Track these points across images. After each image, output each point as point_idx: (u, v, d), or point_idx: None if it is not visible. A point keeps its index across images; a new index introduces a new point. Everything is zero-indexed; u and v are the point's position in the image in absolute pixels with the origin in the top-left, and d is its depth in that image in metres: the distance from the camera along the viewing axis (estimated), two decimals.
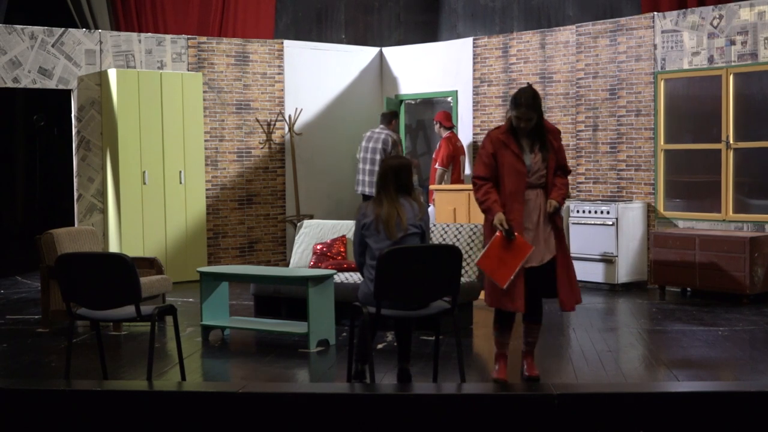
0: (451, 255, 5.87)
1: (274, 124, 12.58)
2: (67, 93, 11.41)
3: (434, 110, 15.04)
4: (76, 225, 11.23)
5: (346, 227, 9.17)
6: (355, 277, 8.36)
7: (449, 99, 13.53)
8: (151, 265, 8.84)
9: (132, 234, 11.17)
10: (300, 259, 9.20)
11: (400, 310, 5.92)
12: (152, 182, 11.32)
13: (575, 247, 10.78)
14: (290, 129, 12.57)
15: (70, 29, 11.37)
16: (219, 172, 12.18)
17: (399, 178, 6.02)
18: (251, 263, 12.26)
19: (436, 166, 11.26)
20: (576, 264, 10.74)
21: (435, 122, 12.07)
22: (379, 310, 5.82)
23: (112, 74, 11.19)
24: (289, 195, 12.57)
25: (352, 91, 13.42)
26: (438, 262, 5.83)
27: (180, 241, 11.52)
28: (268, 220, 12.45)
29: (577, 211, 10.81)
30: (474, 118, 12.60)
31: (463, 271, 8.26)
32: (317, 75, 13.08)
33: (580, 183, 11.42)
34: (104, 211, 11.39)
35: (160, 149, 11.39)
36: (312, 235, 9.27)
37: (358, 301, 6.03)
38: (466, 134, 12.70)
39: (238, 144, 12.34)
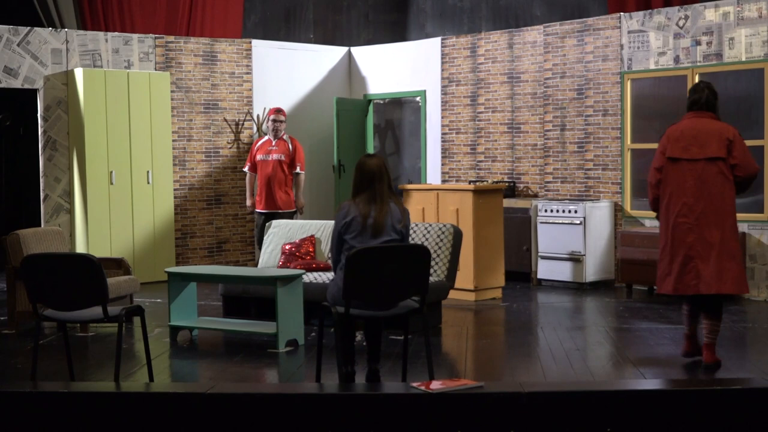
0: (419, 254, 5.88)
1: (243, 124, 12.55)
2: (33, 92, 11.32)
3: (403, 110, 15.07)
4: (42, 225, 11.14)
5: (315, 227, 9.16)
6: (324, 277, 8.35)
7: (418, 99, 13.56)
8: (118, 265, 8.80)
9: (99, 234, 11.10)
10: (269, 259, 9.18)
11: (369, 309, 5.92)
12: (119, 182, 11.26)
13: (543, 246, 10.83)
14: (258, 129, 12.54)
15: (35, 28, 11.28)
16: (187, 172, 12.13)
17: (389, 177, 6.06)
18: (220, 263, 12.22)
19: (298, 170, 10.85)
20: (543, 263, 10.85)
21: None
22: (348, 310, 5.81)
23: (79, 74, 11.11)
24: None
25: (321, 91, 13.41)
26: (407, 262, 5.84)
27: (148, 242, 11.47)
28: (237, 220, 12.41)
29: (545, 211, 10.85)
30: (442, 117, 12.63)
31: (431, 271, 8.28)
32: (286, 75, 13.06)
33: (548, 182, 11.47)
34: (71, 212, 11.31)
35: (128, 149, 11.33)
36: (281, 235, 9.26)
37: (326, 301, 6.02)
38: (434, 134, 12.73)
39: (206, 144, 12.30)
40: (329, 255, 8.75)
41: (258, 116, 12.58)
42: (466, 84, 12.36)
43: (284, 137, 10.47)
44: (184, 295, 8.17)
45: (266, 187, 10.37)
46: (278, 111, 10.52)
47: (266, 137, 10.53)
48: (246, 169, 10.58)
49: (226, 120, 12.41)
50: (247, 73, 12.65)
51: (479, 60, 12.23)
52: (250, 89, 12.66)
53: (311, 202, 13.07)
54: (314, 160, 13.25)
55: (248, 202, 10.56)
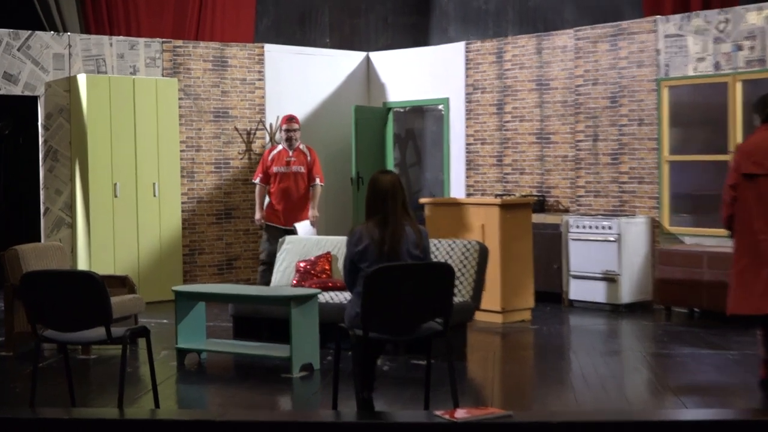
0: (443, 273, 5.83)
1: (254, 134, 12.55)
2: (33, 99, 11.36)
3: (425, 119, 15.05)
4: (42, 240, 11.16)
5: (331, 244, 9.15)
6: (341, 297, 8.32)
7: (440, 107, 13.53)
8: (122, 283, 8.79)
9: (102, 250, 11.11)
10: (282, 277, 9.16)
11: (389, 332, 5.88)
12: (124, 195, 11.27)
13: (575, 264, 10.76)
14: (271, 138, 12.54)
15: (37, 32, 11.33)
16: (195, 184, 12.14)
17: (403, 196, 6.00)
18: (230, 282, 12.21)
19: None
20: (576, 283, 10.78)
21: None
22: (367, 332, 5.77)
23: (82, 80, 11.14)
24: None
25: (338, 99, 13.41)
26: (429, 281, 5.80)
27: (154, 258, 11.46)
28: (248, 235, 12.39)
29: (577, 227, 10.79)
30: (467, 127, 12.60)
31: (456, 291, 8.23)
32: (300, 81, 13.07)
33: (580, 197, 11.41)
34: (73, 226, 11.33)
35: (133, 160, 11.35)
36: (295, 251, 9.24)
37: (343, 323, 5.98)
38: (458, 144, 12.69)
39: (216, 154, 12.30)
40: None
41: (271, 125, 12.58)
42: (491, 91, 12.33)
43: (301, 147, 10.42)
44: (192, 315, 8.15)
45: (286, 202, 10.26)
46: (291, 119, 10.46)
47: (280, 147, 10.46)
48: (257, 180, 10.50)
49: (237, 129, 12.42)
50: (260, 80, 12.66)
51: (506, 66, 12.19)
52: (263, 97, 12.66)
53: (327, 217, 13.05)
54: (331, 172, 13.23)
55: (258, 215, 10.44)
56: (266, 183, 10.43)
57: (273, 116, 12.67)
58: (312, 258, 9.03)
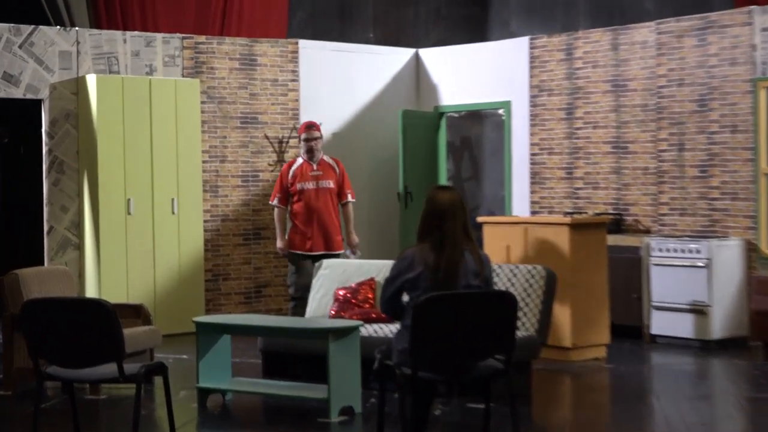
0: (504, 304, 5.81)
1: (287, 142, 12.60)
2: (36, 103, 11.49)
3: (483, 125, 15.02)
4: (45, 264, 11.26)
5: (375, 268, 9.16)
6: (386, 330, 8.31)
7: (501, 111, 13.50)
8: (136, 313, 8.83)
9: (114, 275, 11.19)
10: (318, 306, 9.17)
11: (441, 371, 5.86)
12: (139, 212, 11.35)
13: (657, 294, 10.68)
14: None
15: (41, 27, 11.45)
16: (220, 200, 12.20)
17: (465, 217, 5.98)
18: (259, 312, 12.24)
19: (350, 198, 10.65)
20: (658, 316, 10.69)
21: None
22: (417, 371, 5.75)
23: (92, 81, 11.25)
24: None
25: (383, 102, 13.45)
26: (488, 313, 5.78)
27: (172, 285, 11.52)
28: (279, 259, 12.40)
29: (660, 250, 10.72)
30: (531, 134, 12.57)
31: (519, 324, 8.19)
32: (339, 82, 13.11)
33: (663, 215, 11.34)
34: (80, 247, 11.44)
35: (149, 172, 11.43)
36: (333, 277, 9.25)
37: (389, 360, 5.98)
38: (521, 155, 12.65)
39: (243, 166, 12.36)
40: None
41: None
42: (560, 93, 12.30)
43: (325, 158, 10.29)
44: (216, 350, 8.16)
45: (317, 224, 10.09)
46: (310, 126, 10.26)
47: (300, 160, 10.27)
48: (275, 201, 10.28)
49: (267, 137, 12.48)
50: (293, 81, 12.72)
51: (576, 64, 12.16)
52: (297, 100, 12.72)
53: (370, 237, 13.06)
54: (375, 187, 13.25)
55: (280, 243, 10.25)
56: (285, 204, 10.25)
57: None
58: (353, 285, 9.02)
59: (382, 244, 13.26)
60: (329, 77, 13.04)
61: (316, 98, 12.87)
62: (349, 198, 10.29)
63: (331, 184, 10.18)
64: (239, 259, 12.28)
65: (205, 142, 12.13)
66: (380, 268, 9.11)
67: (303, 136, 10.24)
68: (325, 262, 9.49)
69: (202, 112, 12.07)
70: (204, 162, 12.07)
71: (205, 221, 12.02)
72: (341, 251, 10.22)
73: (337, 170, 10.27)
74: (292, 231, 10.22)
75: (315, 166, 10.17)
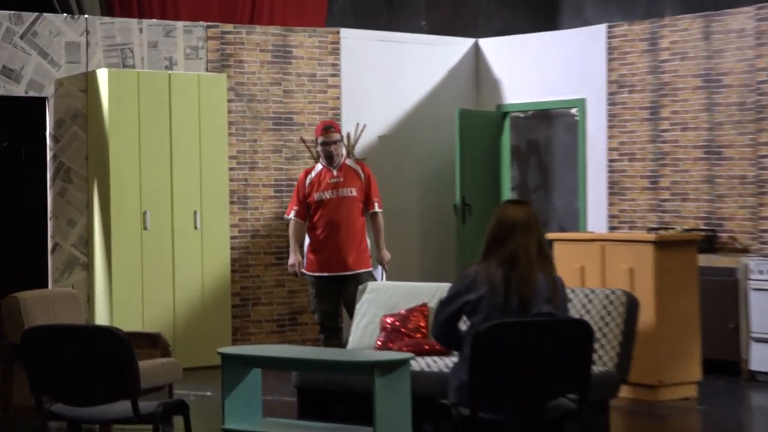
0: (578, 334, 5.80)
1: None
2: (40, 102, 11.56)
3: (553, 126, 14.96)
4: (50, 286, 11.33)
5: (428, 292, 9.14)
6: (441, 364, 8.27)
7: (574, 111, 13.47)
8: (153, 343, 8.85)
9: (127, 299, 11.24)
10: (362, 336, 9.16)
11: (505, 411, 5.84)
12: (156, 227, 11.40)
13: (758, 323, 10.59)
14: (349, 153, 12.58)
15: (45, 14, 11.53)
16: (249, 213, 12.24)
17: (539, 234, 5.96)
18: (294, 342, 12.25)
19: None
20: (759, 348, 10.59)
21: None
22: (477, 411, 5.74)
23: (103, 76, 11.32)
24: None
25: (437, 100, 13.45)
26: (560, 344, 5.76)
27: (194, 311, 11.56)
28: None
29: (760, 272, 10.64)
30: (609, 137, 12.52)
31: (595, 357, 8.14)
32: (387, 78, 13.13)
33: (764, 231, 11.26)
34: (89, 267, 11.51)
35: (168, 181, 11.48)
36: (380, 303, 9.24)
37: (445, 398, 5.96)
38: (597, 161, 12.60)
39: (277, 174, 12.39)
40: None
41: (349, 135, 12.61)
42: (642, 90, 12.25)
43: (348, 162, 10.21)
44: (244, 386, 8.15)
45: (333, 240, 9.99)
46: (327, 128, 10.15)
47: (319, 166, 10.21)
48: (291, 215, 10.21)
49: (303, 141, 12.50)
50: (334, 75, 12.74)
51: (662, 56, 12.11)
52: (337, 97, 12.74)
53: (422, 257, 13.05)
54: (428, 198, 13.24)
55: (292, 260, 10.18)
56: (303, 218, 10.15)
57: (350, 123, 12.70)
58: (402, 311, 9.00)
59: (436, 264, 13.24)
60: (375, 72, 13.06)
61: (359, 96, 12.90)
62: (377, 207, 10.17)
63: (354, 192, 10.05)
64: (271, 282, 12.30)
65: (233, 147, 12.17)
66: (433, 292, 9.07)
67: (320, 139, 10.12)
68: (370, 285, 9.47)
69: (229, 112, 12.11)
70: (231, 169, 12.11)
71: (232, 237, 12.05)
72: (366, 270, 10.12)
73: (362, 175, 10.14)
74: (309, 248, 10.18)
75: (335, 172, 10.08)
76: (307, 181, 10.11)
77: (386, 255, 10.26)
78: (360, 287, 9.50)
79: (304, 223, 10.16)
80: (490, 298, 5.84)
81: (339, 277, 9.99)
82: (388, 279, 10.57)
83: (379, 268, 10.28)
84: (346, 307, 10.09)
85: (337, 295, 10.05)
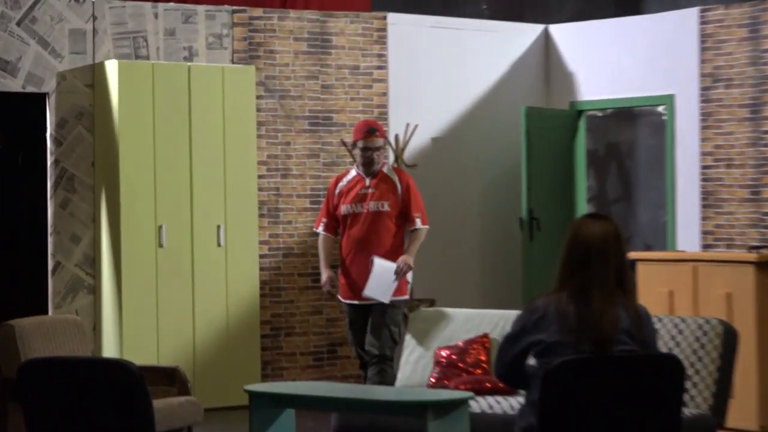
0: (665, 370, 5.75)
1: None
2: (39, 99, 11.62)
3: (635, 127, 14.90)
4: (50, 312, 11.39)
5: (490, 321, 9.13)
6: (505, 405, 8.25)
7: (661, 109, 13.42)
8: (170, 379, 8.87)
9: (140, 328, 11.27)
10: (413, 372, 9.16)
11: None
12: (173, 244, 11.44)
13: None
14: (397, 158, 12.58)
15: None
16: (282, 228, 12.28)
17: (621, 258, 5.92)
18: (333, 379, 12.29)
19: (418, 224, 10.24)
20: None
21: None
22: None
23: (112, 69, 11.37)
24: None
25: (500, 96, 13.47)
26: (645, 383, 5.72)
27: (217, 342, 11.60)
28: None
29: None
30: (703, 140, 12.47)
31: (687, 397, 8.10)
32: (442, 70, 13.15)
33: None
34: (96, 290, 11.56)
35: (187, 191, 11.51)
36: (433, 333, 9.25)
37: None
38: (689, 167, 12.54)
39: (313, 182, 12.41)
40: None
41: (397, 137, 12.61)
42: (741, 85, 12.20)
43: (384, 170, 10.01)
44: (276, 429, 8.18)
45: (359, 261, 9.84)
46: (370, 132, 9.95)
47: (353, 172, 10.10)
48: (320, 228, 10.10)
49: (344, 143, 12.49)
50: (380, 68, 12.75)
51: (764, 45, 12.07)
52: (384, 93, 12.77)
53: (483, 279, 13.04)
54: (489, 211, 13.22)
55: (324, 277, 10.03)
56: (333, 232, 10.06)
57: (400, 123, 12.69)
58: (459, 343, 8.99)
59: (499, 287, 13.24)
60: (428, 63, 13.08)
61: (409, 92, 12.95)
62: (419, 224, 9.87)
63: (386, 206, 9.83)
64: (307, 308, 12.33)
65: (263, 151, 12.22)
66: (496, 321, 9.08)
67: (360, 143, 9.92)
68: (423, 312, 9.46)
69: (259, 110, 12.15)
70: (260, 177, 12.15)
71: (261, 256, 12.08)
72: (401, 299, 9.88)
73: (399, 186, 9.89)
74: (339, 270, 10.08)
75: (368, 182, 9.93)
76: (337, 190, 10.00)
77: (407, 261, 9.80)
78: (411, 315, 9.49)
79: (335, 238, 10.07)
80: (561, 338, 5.82)
81: (369, 306, 9.85)
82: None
83: (390, 264, 9.75)
84: (370, 338, 9.88)
85: (364, 324, 9.92)
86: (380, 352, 9.71)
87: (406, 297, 9.97)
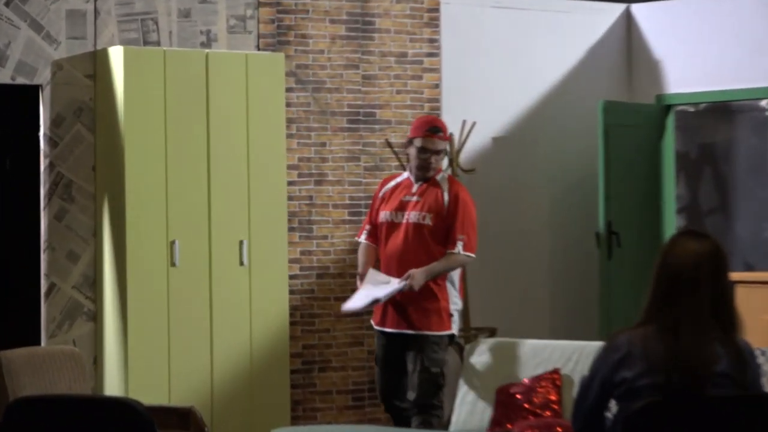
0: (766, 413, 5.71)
1: None
2: (32, 92, 11.65)
3: (734, 125, 14.84)
4: (43, 342, 11.42)
5: (562, 354, 9.19)
6: None
7: (764, 103, 13.37)
8: (183, 421, 8.88)
9: (149, 361, 11.27)
10: (469, 415, 9.19)
11: None
12: (188, 262, 11.45)
13: None
14: (452, 161, 12.57)
15: None
16: (316, 243, 12.33)
17: (720, 284, 5.85)
18: (375, 422, 12.27)
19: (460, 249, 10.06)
20: None
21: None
22: None
23: (117, 57, 11.37)
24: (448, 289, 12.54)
25: (572, 88, 13.51)
26: (746, 430, 5.68)
27: (239, 378, 11.59)
28: None
29: None
30: None
31: None
32: (505, 58, 13.17)
33: None
34: (97, 317, 11.58)
35: (204, 200, 11.51)
36: (493, 367, 9.28)
37: None
38: None
39: (353, 189, 12.42)
40: None
41: (452, 136, 12.56)
42: None
43: (438, 177, 9.91)
44: None
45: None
46: (433, 130, 9.77)
47: (405, 175, 10.07)
48: (362, 237, 10.10)
49: (390, 144, 12.49)
50: (431, 55, 12.76)
51: None
52: (437, 85, 12.80)
53: (554, 304, 13.00)
54: (560, 223, 13.21)
55: (359, 284, 10.01)
56: (374, 241, 10.03)
57: (456, 120, 12.65)
58: (525, 381, 9.00)
59: (571, 314, 13.29)
60: (488, 50, 13.12)
61: (466, 83, 13.00)
62: (459, 248, 9.64)
63: (428, 219, 9.70)
64: (345, 338, 12.36)
65: (293, 153, 12.26)
66: (568, 354, 9.14)
67: (418, 141, 9.77)
68: (482, 343, 9.47)
69: (289, 105, 12.16)
70: (291, 184, 12.18)
71: (291, 277, 12.11)
72: (441, 333, 9.76)
73: (446, 198, 9.75)
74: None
75: (415, 188, 9.86)
76: (381, 193, 10.03)
77: (416, 274, 9.51)
78: (467, 347, 9.49)
79: (377, 247, 10.00)
80: (647, 380, 5.77)
81: (402, 336, 9.77)
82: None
83: (395, 281, 9.62)
84: (409, 383, 9.82)
85: (403, 363, 9.82)
86: (422, 401, 9.64)
87: (451, 332, 9.84)
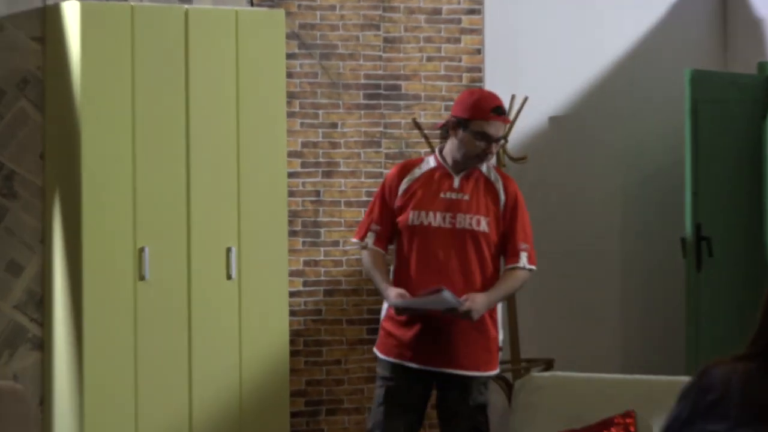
0: None
1: None
2: None
3: None
4: None
5: (636, 391, 9.20)
6: None
7: None
8: None
9: (110, 401, 11.23)
10: None
11: None
12: (161, 275, 11.39)
13: None
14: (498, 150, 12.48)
15: None
16: (324, 251, 12.35)
17: None
18: None
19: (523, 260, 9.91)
20: None
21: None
22: None
23: (72, 14, 11.33)
24: None
25: (651, 57, 13.51)
26: None
27: (225, 422, 11.56)
28: None
29: None
30: None
31: None
32: (565, 18, 13.22)
33: None
34: (44, 345, 11.57)
35: (182, 195, 11.44)
36: (551, 408, 9.25)
37: None
38: None
39: (371, 183, 12.43)
40: None
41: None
42: None
43: (483, 170, 9.70)
44: None
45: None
46: (497, 111, 9.52)
47: (431, 161, 9.80)
48: (369, 241, 9.79)
49: (418, 125, 12.42)
50: (472, 12, 12.76)
51: None
52: (478, 50, 12.84)
53: (626, 328, 12.89)
54: (635, 225, 13.17)
55: (393, 294, 9.50)
56: (385, 246, 9.81)
57: (503, 95, 12.44)
58: (593, 424, 8.85)
59: (650, 342, 13.40)
60: (543, 7, 13.14)
61: (515, 49, 13.02)
62: (524, 261, 9.52)
63: (483, 224, 9.51)
64: (360, 371, 12.39)
65: (296, 137, 12.30)
66: (645, 392, 9.18)
67: (475, 124, 9.48)
68: (536, 378, 9.42)
69: (290, 76, 12.15)
70: (293, 176, 12.23)
71: (293, 294, 12.14)
72: (489, 373, 9.69)
73: (502, 197, 9.61)
74: (386, 313, 9.81)
75: (457, 182, 9.65)
76: (403, 185, 9.74)
77: (477, 305, 9.32)
78: (517, 384, 9.44)
79: (385, 254, 9.79)
80: (737, 417, 5.67)
81: (433, 374, 9.60)
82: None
83: (449, 295, 9.30)
84: (441, 426, 9.76)
85: (424, 405, 9.72)
86: None
87: (497, 371, 9.85)
